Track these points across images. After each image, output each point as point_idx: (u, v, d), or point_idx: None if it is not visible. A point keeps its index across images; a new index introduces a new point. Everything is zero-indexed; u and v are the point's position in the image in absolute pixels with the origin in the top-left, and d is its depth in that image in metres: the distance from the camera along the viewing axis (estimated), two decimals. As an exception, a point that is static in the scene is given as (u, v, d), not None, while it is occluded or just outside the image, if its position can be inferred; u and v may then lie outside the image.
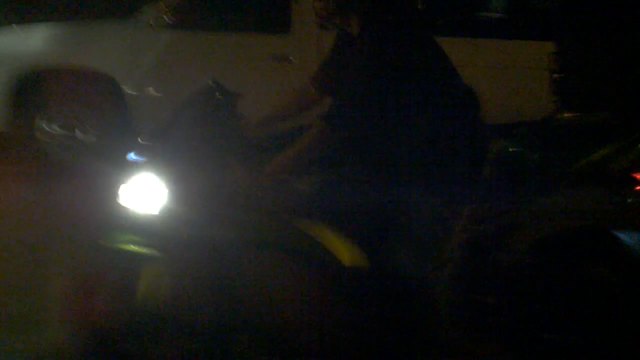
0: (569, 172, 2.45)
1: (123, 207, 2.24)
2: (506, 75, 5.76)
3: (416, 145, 2.18)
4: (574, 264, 2.50)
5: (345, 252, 2.22)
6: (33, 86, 5.31)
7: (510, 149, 2.66)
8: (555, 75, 5.71)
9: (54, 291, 2.54)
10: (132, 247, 2.30)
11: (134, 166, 2.25)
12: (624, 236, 2.49)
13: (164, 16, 5.25)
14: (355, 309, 2.28)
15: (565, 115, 4.76)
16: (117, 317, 2.36)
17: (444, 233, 2.24)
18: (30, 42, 5.43)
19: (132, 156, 2.28)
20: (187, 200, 2.22)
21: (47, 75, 5.33)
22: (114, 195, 2.26)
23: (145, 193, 2.21)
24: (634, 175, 2.44)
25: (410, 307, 2.26)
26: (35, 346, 2.78)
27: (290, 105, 2.57)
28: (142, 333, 2.30)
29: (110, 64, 5.35)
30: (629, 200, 2.46)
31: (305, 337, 2.28)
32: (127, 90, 5.34)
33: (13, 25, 5.68)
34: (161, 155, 2.23)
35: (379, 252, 2.24)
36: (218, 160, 2.21)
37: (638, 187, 2.44)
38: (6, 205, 4.52)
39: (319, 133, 2.13)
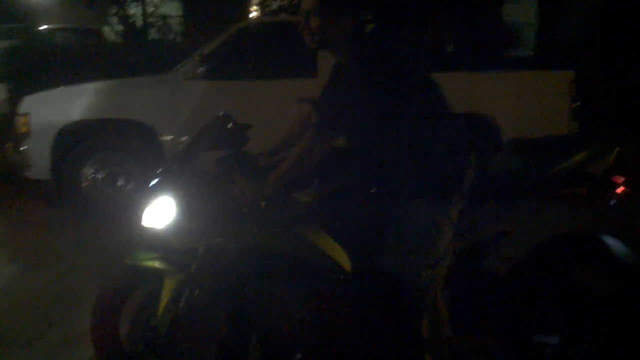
0: (550, 175, 2.53)
1: (145, 227, 2.44)
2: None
3: (405, 156, 2.30)
4: (563, 268, 2.59)
5: (344, 257, 2.38)
6: (79, 138, 5.68)
7: (500, 161, 2.75)
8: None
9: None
10: (155, 264, 2.50)
11: (154, 190, 2.45)
12: (610, 240, 2.56)
13: (199, 68, 5.56)
14: (357, 311, 2.41)
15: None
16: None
17: (435, 236, 2.33)
18: (76, 99, 5.81)
19: (152, 181, 2.49)
20: (199, 215, 2.41)
21: (92, 128, 5.73)
22: (138, 218, 2.47)
23: (162, 213, 2.41)
24: (614, 178, 2.52)
25: (405, 308, 2.37)
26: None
27: (294, 132, 2.71)
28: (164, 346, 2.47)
29: (150, 115, 5.70)
30: (611, 203, 2.54)
31: (312, 339, 2.42)
32: (166, 137, 5.66)
33: (61, 85, 6.07)
34: (177, 176, 2.44)
35: (375, 256, 2.37)
36: (226, 177, 2.39)
37: (619, 190, 2.52)
38: (52, 245, 4.86)
39: (312, 139, 2.27)
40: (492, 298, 2.56)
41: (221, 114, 2.55)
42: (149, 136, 5.68)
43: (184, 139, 5.55)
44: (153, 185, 2.45)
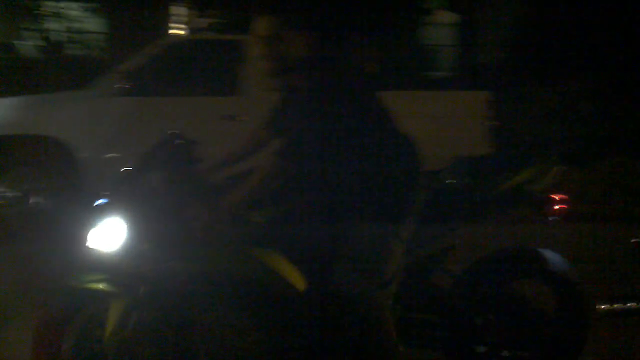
0: (493, 195, 2.66)
1: (90, 249, 2.36)
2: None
3: (356, 179, 2.34)
4: (505, 280, 2.70)
5: (297, 277, 2.37)
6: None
7: (444, 180, 2.83)
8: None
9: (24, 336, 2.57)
10: (100, 286, 2.41)
11: (100, 210, 2.38)
12: (548, 253, 2.71)
13: (118, 84, 5.46)
14: (309, 331, 2.41)
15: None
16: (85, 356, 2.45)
17: (386, 256, 2.38)
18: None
19: (98, 201, 2.42)
20: (150, 238, 2.35)
21: (5, 144, 5.49)
22: (82, 238, 2.38)
23: (111, 234, 2.34)
24: (552, 196, 2.67)
25: (358, 326, 2.38)
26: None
27: (245, 147, 2.73)
28: None
29: (67, 131, 5.52)
30: (550, 219, 2.67)
31: None
32: (81, 154, 5.49)
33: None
34: (126, 197, 2.38)
35: (327, 276, 2.38)
36: (178, 199, 2.35)
37: (556, 207, 2.66)
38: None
39: (272, 167, 2.27)
40: (438, 311, 2.63)
41: (169, 132, 2.50)
42: (65, 153, 5.51)
43: (108, 155, 5.49)
44: (100, 205, 2.38)
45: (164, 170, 2.40)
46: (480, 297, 2.65)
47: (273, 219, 2.42)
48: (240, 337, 2.38)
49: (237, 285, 2.35)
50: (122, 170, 2.46)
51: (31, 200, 5.47)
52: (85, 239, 2.36)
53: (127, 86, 5.47)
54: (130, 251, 2.34)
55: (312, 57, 2.34)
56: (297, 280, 2.36)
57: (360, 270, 2.34)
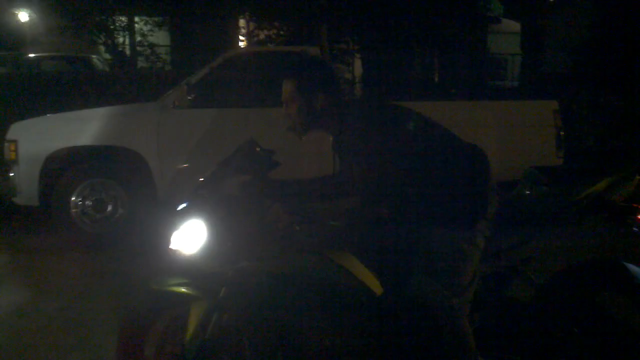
0: (573, 204, 2.58)
1: (172, 251, 2.43)
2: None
3: (430, 185, 2.39)
4: (588, 293, 2.61)
5: (374, 281, 2.38)
6: (67, 165, 5.67)
7: (521, 191, 2.80)
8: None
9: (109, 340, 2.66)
10: (181, 289, 2.48)
11: (181, 214, 2.45)
12: (633, 266, 2.58)
13: (187, 96, 5.63)
14: (384, 335, 2.41)
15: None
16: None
17: (462, 263, 2.39)
18: (65, 126, 5.83)
19: (180, 205, 2.49)
20: (230, 241, 2.41)
21: (80, 155, 5.72)
22: (163, 242, 2.46)
23: (191, 237, 2.40)
24: (636, 205, 2.56)
25: (433, 333, 2.38)
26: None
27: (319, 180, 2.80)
28: None
29: (139, 142, 5.71)
30: (634, 230, 2.57)
31: None
32: (154, 164, 5.69)
33: (50, 113, 6.11)
34: (206, 201, 2.44)
35: (402, 282, 2.40)
36: (257, 203, 2.43)
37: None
38: (47, 271, 4.84)
39: (360, 210, 2.40)
40: (517, 323, 2.57)
41: (248, 139, 2.58)
42: (137, 163, 5.69)
43: (183, 166, 5.67)
44: (181, 209, 2.45)
45: (243, 176, 2.48)
46: (562, 310, 2.57)
47: (350, 223, 2.47)
48: (317, 339, 2.39)
49: (315, 287, 2.38)
50: (200, 179, 2.54)
51: (107, 210, 5.69)
52: (167, 242, 2.43)
53: (194, 98, 5.64)
54: (211, 253, 2.40)
55: (328, 111, 2.46)
56: (374, 284, 2.37)
57: (436, 276, 2.36)
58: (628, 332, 2.56)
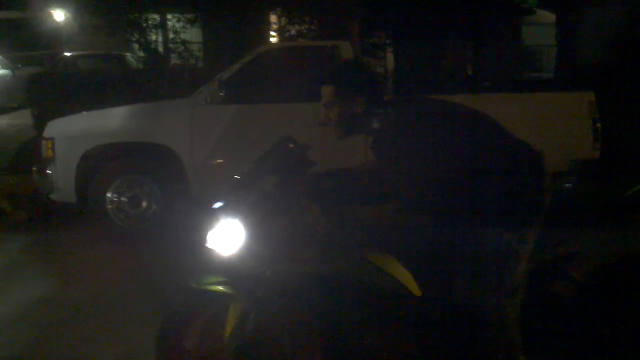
0: (620, 200, 2.55)
1: (209, 250, 2.44)
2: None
3: (475, 185, 2.32)
4: (632, 290, 2.56)
5: (413, 283, 2.35)
6: (103, 162, 5.76)
7: (562, 184, 2.73)
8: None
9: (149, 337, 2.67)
10: (219, 288, 2.48)
11: (217, 213, 2.44)
12: None
13: (220, 92, 5.65)
14: (427, 337, 2.39)
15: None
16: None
17: (512, 263, 2.34)
18: (100, 123, 5.91)
19: (215, 204, 2.49)
20: (267, 240, 2.41)
21: (115, 152, 5.79)
22: (201, 240, 2.46)
23: (228, 237, 2.40)
24: None
25: (481, 334, 2.35)
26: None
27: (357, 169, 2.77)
28: None
29: (172, 138, 5.74)
30: None
31: None
32: (187, 160, 5.72)
33: (83, 112, 6.20)
34: (242, 200, 2.43)
35: (446, 283, 2.37)
36: (293, 202, 2.40)
37: None
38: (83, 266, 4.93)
39: (397, 213, 2.41)
40: (561, 322, 2.53)
41: (283, 136, 2.57)
42: (171, 159, 5.73)
43: (217, 161, 5.70)
44: (218, 208, 2.45)
45: (278, 174, 2.46)
46: (608, 306, 2.53)
47: (391, 226, 2.45)
48: (355, 339, 2.38)
49: (352, 288, 2.36)
50: (234, 176, 2.54)
51: (143, 205, 5.76)
52: (204, 241, 2.44)
53: (226, 94, 5.65)
54: (248, 253, 2.39)
55: (368, 113, 2.44)
56: (413, 285, 2.34)
57: (486, 277, 2.31)
58: None
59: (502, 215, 2.30)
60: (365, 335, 2.37)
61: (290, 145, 2.51)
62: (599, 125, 5.82)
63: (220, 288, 2.47)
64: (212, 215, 2.43)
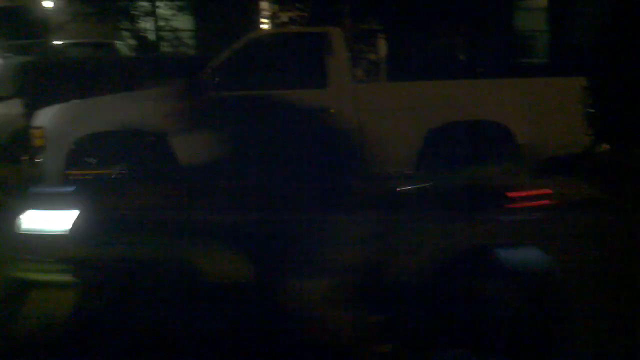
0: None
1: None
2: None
3: None
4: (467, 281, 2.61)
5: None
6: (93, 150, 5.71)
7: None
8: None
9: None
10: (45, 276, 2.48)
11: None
12: (502, 252, 2.62)
13: (211, 80, 5.62)
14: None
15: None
16: None
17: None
18: (90, 112, 5.89)
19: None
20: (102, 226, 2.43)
21: (106, 140, 5.71)
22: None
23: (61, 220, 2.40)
24: (508, 194, 2.64)
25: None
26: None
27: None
28: None
29: (164, 125, 5.65)
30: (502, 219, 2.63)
31: None
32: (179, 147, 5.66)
33: (73, 100, 6.15)
34: (86, 187, 2.49)
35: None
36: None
37: (510, 206, 2.63)
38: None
39: None
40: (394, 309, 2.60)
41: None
42: (161, 146, 5.65)
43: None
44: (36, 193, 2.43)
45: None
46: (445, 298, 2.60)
47: None
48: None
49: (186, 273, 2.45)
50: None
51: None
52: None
53: (218, 81, 5.63)
54: (82, 238, 2.38)
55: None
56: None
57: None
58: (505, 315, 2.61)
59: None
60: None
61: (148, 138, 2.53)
62: (591, 111, 5.81)
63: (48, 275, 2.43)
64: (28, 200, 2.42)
